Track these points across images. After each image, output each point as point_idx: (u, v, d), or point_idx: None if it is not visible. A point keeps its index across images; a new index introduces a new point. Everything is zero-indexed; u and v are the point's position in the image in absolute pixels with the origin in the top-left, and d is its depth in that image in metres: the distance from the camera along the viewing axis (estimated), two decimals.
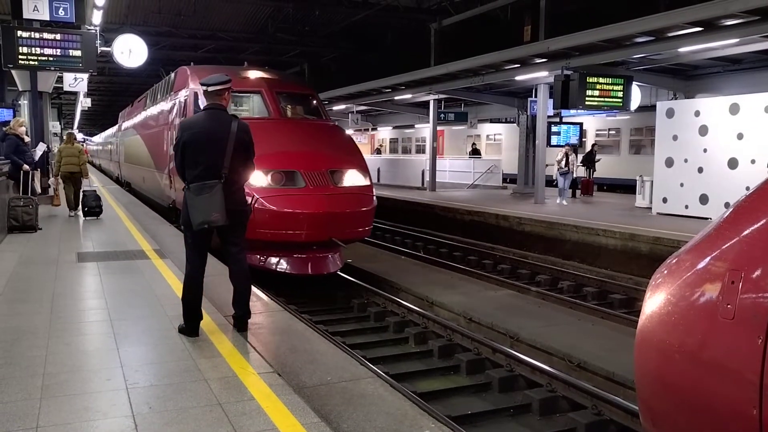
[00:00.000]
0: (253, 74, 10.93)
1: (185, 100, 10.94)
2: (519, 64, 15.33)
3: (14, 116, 19.50)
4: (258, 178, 8.37)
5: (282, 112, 10.34)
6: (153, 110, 14.89)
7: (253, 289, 6.06)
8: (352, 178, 9.29)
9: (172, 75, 13.07)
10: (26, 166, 11.21)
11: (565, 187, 16.94)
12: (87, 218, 11.73)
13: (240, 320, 4.76)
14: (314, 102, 11.23)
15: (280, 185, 8.68)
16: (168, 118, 12.30)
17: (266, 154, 8.51)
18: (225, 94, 4.68)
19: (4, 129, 12.16)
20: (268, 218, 8.33)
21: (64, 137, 14.17)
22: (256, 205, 8.10)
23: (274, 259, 8.91)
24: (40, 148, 12.87)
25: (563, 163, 16.73)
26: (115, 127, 27.72)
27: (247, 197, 7.77)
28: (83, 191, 12.18)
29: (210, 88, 4.59)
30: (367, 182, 9.52)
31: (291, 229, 8.49)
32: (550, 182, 20.89)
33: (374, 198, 9.47)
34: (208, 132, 4.52)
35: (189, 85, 10.90)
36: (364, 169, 9.65)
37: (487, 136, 30.12)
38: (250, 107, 10.70)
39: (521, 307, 8.91)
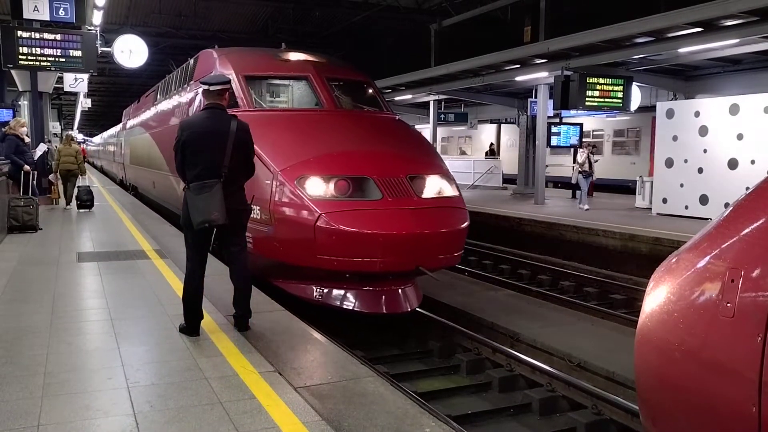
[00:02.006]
0: (296, 57, 9.12)
1: None
2: (519, 64, 15.35)
3: (14, 116, 19.57)
4: (316, 187, 6.64)
5: (336, 103, 8.37)
6: (166, 104, 12.96)
7: (253, 288, 6.08)
8: (437, 186, 7.29)
9: (191, 61, 11.12)
10: (27, 167, 11.28)
11: (586, 190, 15.50)
12: (80, 210, 12.70)
13: (241, 320, 4.77)
14: (370, 90, 9.32)
15: (346, 196, 6.68)
16: (187, 111, 10.19)
17: (324, 155, 7.09)
18: (225, 94, 4.74)
19: (3, 129, 12.23)
20: (335, 241, 6.39)
21: (63, 138, 15.54)
22: (318, 223, 6.37)
23: (337, 293, 6.94)
24: (41, 149, 13.02)
25: (586, 164, 15.40)
26: (119, 126, 26.15)
27: (303, 211, 6.50)
28: (77, 186, 13.17)
29: (212, 88, 4.64)
30: (455, 192, 7.49)
31: (364, 255, 6.43)
32: (558, 184, 21.07)
33: (468, 213, 7.49)
34: (207, 131, 4.54)
35: (218, 70, 8.90)
36: (448, 174, 7.66)
37: (459, 137, 31.28)
38: (291, 97, 8.80)
39: (521, 307, 8.92)
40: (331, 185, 6.68)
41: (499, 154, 28.25)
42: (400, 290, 7.04)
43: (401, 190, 6.81)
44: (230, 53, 9.45)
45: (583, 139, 19.42)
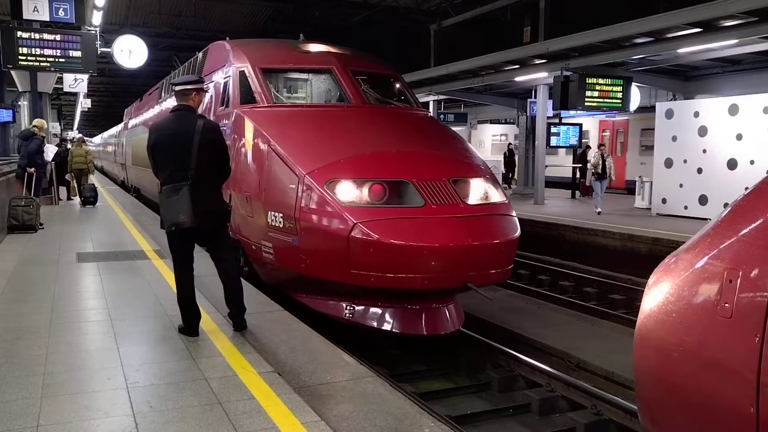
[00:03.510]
0: (317, 48, 8.42)
1: (225, 83, 8.16)
2: (518, 65, 15.35)
3: (14, 117, 19.83)
4: (349, 192, 5.92)
5: (364, 98, 7.62)
6: (171, 102, 12.28)
7: (252, 288, 6.08)
8: (482, 190, 6.48)
9: (200, 55, 10.36)
10: (31, 169, 11.45)
11: (600, 193, 14.59)
12: (84, 206, 13.77)
13: (237, 318, 4.75)
14: (398, 85, 8.60)
15: (383, 203, 5.91)
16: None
17: (355, 155, 6.35)
18: (193, 95, 4.63)
19: (30, 129, 12.50)
20: (373, 254, 5.63)
21: (75, 140, 17.97)
22: (353, 234, 5.63)
23: (370, 312, 6.19)
24: (52, 151, 13.37)
25: (599, 166, 14.61)
26: (120, 126, 25.57)
27: (335, 220, 5.82)
28: (82, 185, 14.63)
29: (178, 88, 4.60)
30: (503, 197, 6.69)
31: (406, 270, 5.65)
32: (559, 185, 21.05)
33: (518, 221, 6.66)
34: (172, 133, 4.51)
35: (232, 62, 8.13)
36: (493, 178, 6.88)
37: None
38: (312, 92, 8.10)
39: (521, 307, 8.92)
40: (365, 190, 5.91)
41: None
42: (442, 308, 6.26)
43: (445, 195, 6.01)
44: (245, 44, 8.74)
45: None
